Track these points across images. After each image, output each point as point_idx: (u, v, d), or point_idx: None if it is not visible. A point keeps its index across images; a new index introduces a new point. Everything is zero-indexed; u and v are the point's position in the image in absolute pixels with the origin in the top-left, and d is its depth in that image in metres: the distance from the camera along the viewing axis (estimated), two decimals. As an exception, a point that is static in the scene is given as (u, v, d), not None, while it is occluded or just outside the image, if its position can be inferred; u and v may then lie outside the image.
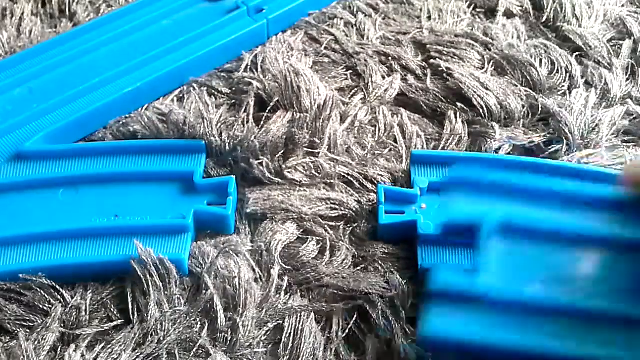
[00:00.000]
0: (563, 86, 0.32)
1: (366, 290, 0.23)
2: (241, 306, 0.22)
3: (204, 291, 0.23)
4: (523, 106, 0.30)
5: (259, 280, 0.24)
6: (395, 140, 0.29)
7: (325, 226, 0.25)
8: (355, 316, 0.23)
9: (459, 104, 0.30)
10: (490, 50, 0.33)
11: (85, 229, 0.24)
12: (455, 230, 0.20)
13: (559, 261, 0.19)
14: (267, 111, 0.29)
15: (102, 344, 0.22)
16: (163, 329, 0.22)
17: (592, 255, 0.19)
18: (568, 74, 0.32)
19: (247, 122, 0.29)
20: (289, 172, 0.27)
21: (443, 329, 0.18)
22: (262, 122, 0.29)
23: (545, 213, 0.19)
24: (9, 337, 0.22)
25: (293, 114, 0.29)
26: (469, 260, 0.22)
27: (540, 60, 0.33)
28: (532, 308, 0.18)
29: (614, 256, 0.19)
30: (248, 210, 0.26)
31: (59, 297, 0.23)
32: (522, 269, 0.19)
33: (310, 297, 0.23)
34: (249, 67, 0.32)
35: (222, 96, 0.31)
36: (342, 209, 0.26)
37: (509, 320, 0.18)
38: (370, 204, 0.26)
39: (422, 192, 0.25)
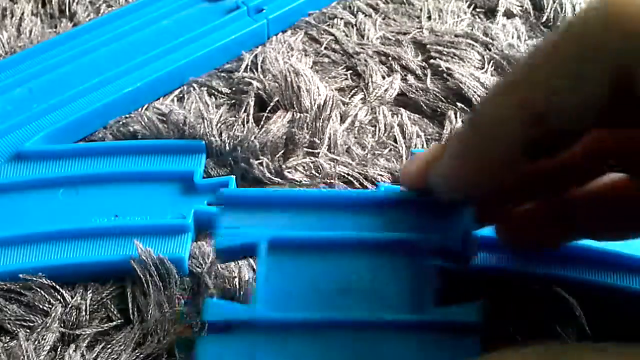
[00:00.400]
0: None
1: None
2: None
3: (204, 291, 0.23)
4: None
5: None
6: (395, 140, 0.29)
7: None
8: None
9: (459, 104, 0.30)
10: (490, 50, 0.33)
11: (85, 229, 0.24)
12: (234, 253, 0.19)
13: (335, 273, 0.19)
14: (267, 111, 0.29)
15: (102, 344, 0.22)
16: (163, 329, 0.21)
17: (368, 261, 0.19)
18: (568, 74, 0.32)
19: (247, 122, 0.29)
20: (289, 172, 0.27)
21: (217, 358, 0.17)
22: (262, 122, 0.29)
23: (324, 222, 0.19)
24: (9, 337, 0.22)
25: (293, 114, 0.29)
26: None
27: (540, 60, 0.33)
28: (307, 326, 0.18)
29: (387, 259, 0.19)
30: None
31: (59, 297, 0.23)
32: (300, 286, 0.18)
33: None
34: (249, 67, 0.32)
35: (222, 96, 0.31)
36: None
37: (284, 341, 0.17)
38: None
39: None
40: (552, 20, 0.36)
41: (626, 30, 0.14)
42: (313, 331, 0.18)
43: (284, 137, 0.28)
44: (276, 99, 0.29)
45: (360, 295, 0.18)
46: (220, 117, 0.29)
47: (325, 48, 0.34)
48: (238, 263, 0.23)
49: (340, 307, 0.18)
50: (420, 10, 0.37)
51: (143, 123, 0.29)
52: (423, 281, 0.18)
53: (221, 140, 0.27)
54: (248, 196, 0.19)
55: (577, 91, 0.15)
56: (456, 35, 0.34)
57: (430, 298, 0.18)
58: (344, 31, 0.35)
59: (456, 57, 0.33)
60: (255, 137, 0.27)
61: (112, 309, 0.23)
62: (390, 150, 0.29)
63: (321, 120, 0.28)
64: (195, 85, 0.31)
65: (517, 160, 0.17)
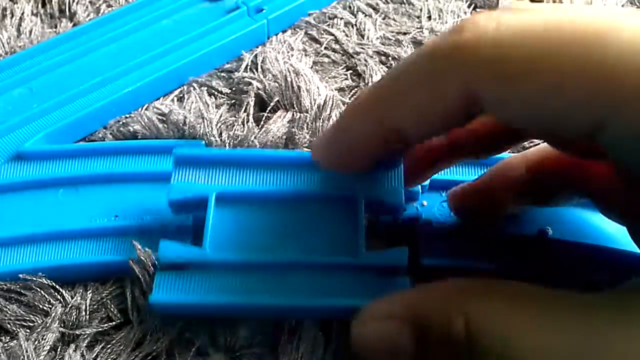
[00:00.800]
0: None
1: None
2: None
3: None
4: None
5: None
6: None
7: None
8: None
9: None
10: (490, 50, 0.33)
11: (85, 229, 0.24)
12: (185, 205, 0.21)
13: (274, 222, 0.21)
14: (267, 111, 0.29)
15: (102, 344, 0.22)
16: (162, 329, 0.21)
17: (305, 213, 0.21)
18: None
19: (247, 122, 0.29)
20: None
21: (169, 295, 0.20)
22: (262, 122, 0.29)
23: (267, 179, 0.22)
24: (9, 337, 0.22)
25: (293, 114, 0.29)
26: None
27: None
28: (248, 266, 0.20)
29: (324, 211, 0.21)
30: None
31: (58, 297, 0.22)
32: (243, 233, 0.21)
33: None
34: (249, 67, 0.32)
35: (222, 96, 0.31)
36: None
37: (227, 281, 0.20)
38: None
39: (424, 189, 0.25)
40: (552, 20, 0.36)
41: (472, 55, 0.16)
42: (254, 270, 0.20)
43: (284, 137, 0.28)
44: (276, 99, 0.29)
45: (297, 242, 0.21)
46: (220, 117, 0.29)
47: (325, 48, 0.34)
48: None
49: (278, 251, 0.21)
50: (420, 10, 0.37)
51: (143, 123, 0.29)
52: (356, 230, 0.21)
53: (221, 140, 0.27)
54: (199, 155, 0.22)
55: (431, 108, 0.17)
56: (456, 35, 0.34)
57: (362, 244, 0.20)
58: (344, 31, 0.35)
59: (456, 57, 0.33)
60: (255, 137, 0.27)
61: (111, 309, 0.23)
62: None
63: (321, 120, 0.28)
64: (195, 85, 0.31)
65: (381, 152, 0.19)
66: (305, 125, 0.28)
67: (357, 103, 0.20)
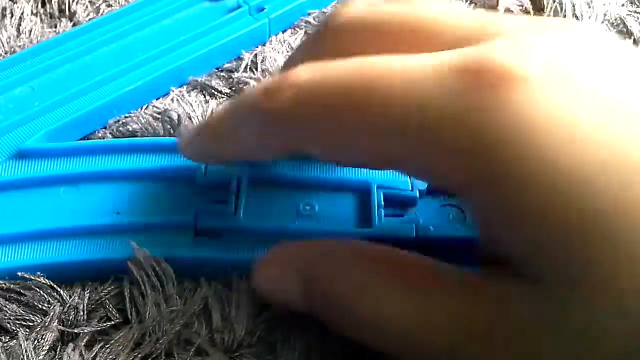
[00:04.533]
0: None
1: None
2: (235, 306, 0.22)
3: (200, 290, 0.23)
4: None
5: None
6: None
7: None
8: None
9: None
10: (490, 50, 0.33)
11: (86, 227, 0.24)
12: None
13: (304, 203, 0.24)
14: (267, 111, 0.29)
15: (101, 344, 0.22)
16: (161, 329, 0.21)
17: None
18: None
19: (247, 122, 0.29)
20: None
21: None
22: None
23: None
24: (9, 337, 0.22)
25: (293, 114, 0.29)
26: None
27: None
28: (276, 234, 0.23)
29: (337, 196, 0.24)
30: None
31: (57, 296, 0.22)
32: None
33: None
34: (249, 67, 0.32)
35: (222, 96, 0.31)
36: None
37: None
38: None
39: (422, 194, 0.24)
40: (552, 20, 0.36)
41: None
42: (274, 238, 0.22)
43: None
44: (276, 98, 0.29)
45: (317, 219, 0.24)
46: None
47: (326, 48, 0.34)
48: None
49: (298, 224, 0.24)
50: (421, 10, 0.37)
51: (142, 123, 0.29)
52: (369, 209, 0.24)
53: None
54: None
55: (344, 154, 0.19)
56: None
57: (376, 217, 0.23)
58: (344, 31, 0.35)
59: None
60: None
61: (110, 309, 0.23)
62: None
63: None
64: (195, 85, 0.31)
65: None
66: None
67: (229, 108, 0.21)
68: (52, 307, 0.22)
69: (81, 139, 0.29)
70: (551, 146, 0.14)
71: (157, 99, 0.31)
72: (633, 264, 0.14)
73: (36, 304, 0.22)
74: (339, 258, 0.19)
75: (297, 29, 0.35)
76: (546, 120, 0.14)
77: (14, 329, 0.22)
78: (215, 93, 0.31)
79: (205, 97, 0.31)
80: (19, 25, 0.35)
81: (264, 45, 0.34)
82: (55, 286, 0.23)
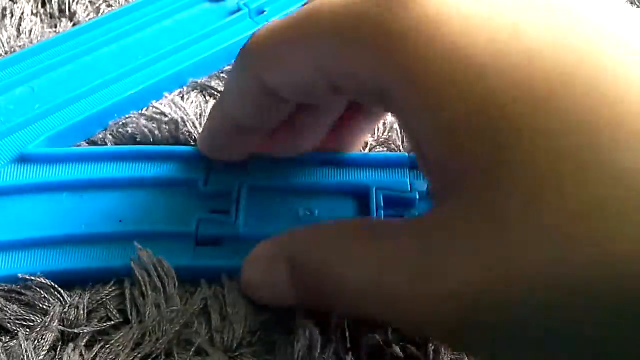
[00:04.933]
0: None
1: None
2: (234, 306, 0.22)
3: (200, 290, 0.23)
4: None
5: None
6: (395, 140, 0.29)
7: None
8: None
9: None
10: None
11: (89, 234, 0.24)
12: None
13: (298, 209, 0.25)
14: (266, 113, 0.29)
15: (101, 344, 0.22)
16: (161, 328, 0.22)
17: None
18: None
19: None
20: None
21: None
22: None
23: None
24: (9, 337, 0.22)
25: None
26: None
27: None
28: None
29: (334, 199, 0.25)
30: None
31: (58, 296, 0.23)
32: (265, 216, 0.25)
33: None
34: (248, 68, 0.32)
35: (222, 97, 0.31)
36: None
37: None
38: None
39: (421, 195, 0.25)
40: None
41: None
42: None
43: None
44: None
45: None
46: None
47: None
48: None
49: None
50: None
51: (142, 124, 0.28)
52: (368, 211, 0.24)
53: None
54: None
55: (294, 76, 0.19)
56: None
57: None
58: (343, 33, 0.35)
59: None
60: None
61: (111, 309, 0.23)
62: (390, 149, 0.29)
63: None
64: (194, 85, 0.31)
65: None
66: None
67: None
68: (52, 307, 0.22)
69: (81, 142, 0.29)
70: (452, 31, 0.15)
71: (158, 101, 0.31)
72: (540, 140, 0.14)
73: (36, 303, 0.22)
74: (323, 237, 0.20)
75: (297, 31, 0.35)
76: (448, 9, 0.15)
77: (14, 328, 0.22)
78: (215, 93, 0.31)
79: (205, 97, 0.31)
80: (19, 25, 0.34)
81: (264, 47, 0.34)
82: (56, 286, 0.23)
